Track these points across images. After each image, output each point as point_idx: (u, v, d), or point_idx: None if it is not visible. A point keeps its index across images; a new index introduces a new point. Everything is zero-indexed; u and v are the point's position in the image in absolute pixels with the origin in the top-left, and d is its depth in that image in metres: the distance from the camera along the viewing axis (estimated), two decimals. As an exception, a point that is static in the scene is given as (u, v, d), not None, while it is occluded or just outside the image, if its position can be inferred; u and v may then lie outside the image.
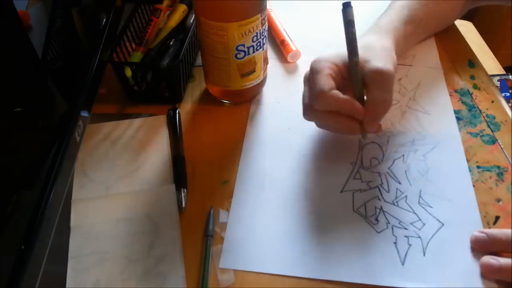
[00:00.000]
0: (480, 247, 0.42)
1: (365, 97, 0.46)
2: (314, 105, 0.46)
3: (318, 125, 0.50)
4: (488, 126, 0.53)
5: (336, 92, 0.45)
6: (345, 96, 0.45)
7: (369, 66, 0.45)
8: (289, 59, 0.63)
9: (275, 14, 0.68)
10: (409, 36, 0.56)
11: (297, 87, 0.59)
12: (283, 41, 0.64)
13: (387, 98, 0.45)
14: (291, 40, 0.64)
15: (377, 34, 0.52)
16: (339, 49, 0.48)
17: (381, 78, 0.45)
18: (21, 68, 0.41)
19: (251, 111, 0.57)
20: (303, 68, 0.62)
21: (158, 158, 0.52)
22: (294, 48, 0.63)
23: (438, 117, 0.54)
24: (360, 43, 0.46)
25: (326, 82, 0.45)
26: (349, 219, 0.45)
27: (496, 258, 0.40)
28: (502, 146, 0.51)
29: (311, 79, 0.47)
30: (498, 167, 0.49)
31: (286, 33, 0.65)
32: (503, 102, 0.56)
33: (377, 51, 0.47)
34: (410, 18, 0.55)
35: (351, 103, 0.45)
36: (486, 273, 0.40)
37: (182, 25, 0.62)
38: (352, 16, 0.45)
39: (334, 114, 0.46)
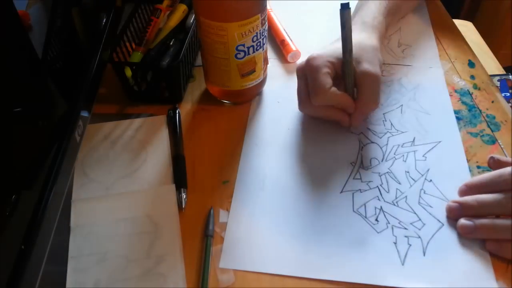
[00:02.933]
0: (454, 215, 0.44)
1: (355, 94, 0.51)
2: (314, 101, 0.49)
3: (310, 115, 0.54)
4: (488, 126, 0.53)
5: (335, 89, 0.49)
6: (341, 93, 0.49)
7: (360, 67, 0.49)
8: (289, 59, 0.63)
9: (275, 14, 0.68)
10: (389, 27, 0.60)
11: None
12: (283, 41, 0.64)
13: (376, 99, 0.50)
14: (291, 40, 0.64)
15: (365, 32, 0.54)
16: (333, 45, 0.52)
17: (371, 80, 0.49)
18: (21, 68, 0.41)
19: (251, 111, 0.57)
20: (303, 68, 0.62)
21: (158, 158, 0.52)
22: (294, 48, 0.63)
23: (438, 117, 0.54)
24: (355, 40, 0.49)
25: (326, 80, 0.48)
26: (349, 219, 0.45)
27: (472, 220, 0.43)
28: (502, 146, 0.51)
29: (310, 76, 0.50)
30: (498, 167, 0.49)
31: (286, 33, 0.65)
32: (503, 102, 0.56)
33: (368, 51, 0.50)
34: (389, 9, 0.59)
35: (347, 99, 0.50)
36: (464, 234, 0.43)
37: (182, 25, 0.62)
38: (350, 17, 0.47)
39: (329, 107, 0.51)
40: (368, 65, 0.49)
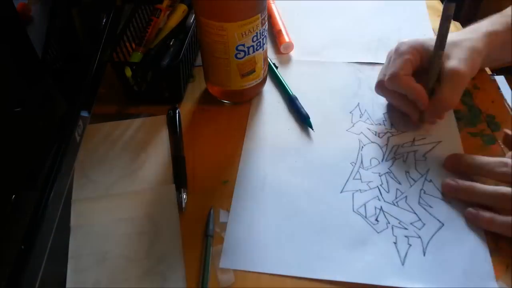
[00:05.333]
0: (448, 190, 0.46)
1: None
2: (386, 84, 0.50)
3: (383, 96, 0.54)
4: (488, 126, 0.53)
5: (408, 78, 0.48)
6: (415, 85, 0.48)
7: (449, 63, 0.47)
8: (281, 49, 0.63)
9: (275, 6, 0.69)
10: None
11: (297, 88, 0.59)
12: (279, 31, 0.64)
13: (455, 99, 0.48)
14: (286, 32, 0.64)
15: (473, 34, 0.50)
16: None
17: (456, 79, 0.47)
18: (21, 68, 0.41)
19: (251, 111, 0.57)
20: (304, 68, 0.62)
21: (158, 158, 0.52)
22: (287, 39, 0.63)
23: (438, 117, 0.54)
24: (451, 37, 0.48)
25: (402, 66, 0.48)
26: (349, 219, 0.45)
27: (456, 180, 0.46)
28: (502, 146, 0.51)
29: (392, 58, 0.50)
30: (498, 167, 0.49)
31: (283, 24, 0.65)
32: (503, 102, 0.56)
33: (463, 50, 0.48)
34: None
35: (419, 92, 0.48)
36: (446, 191, 0.46)
37: (182, 25, 0.62)
38: (452, 11, 0.45)
39: (401, 96, 0.50)
40: (458, 63, 0.47)
